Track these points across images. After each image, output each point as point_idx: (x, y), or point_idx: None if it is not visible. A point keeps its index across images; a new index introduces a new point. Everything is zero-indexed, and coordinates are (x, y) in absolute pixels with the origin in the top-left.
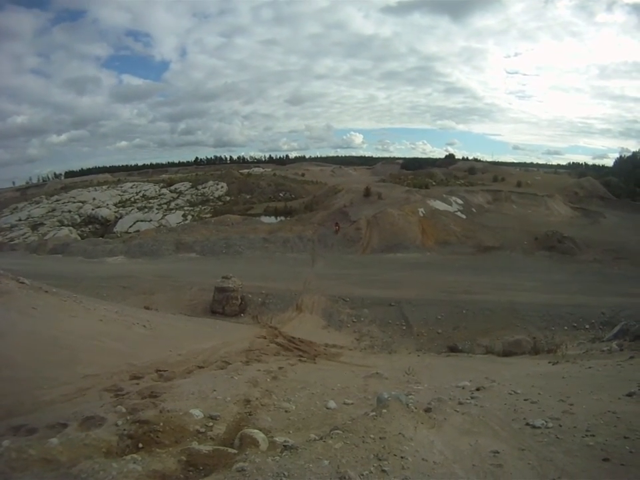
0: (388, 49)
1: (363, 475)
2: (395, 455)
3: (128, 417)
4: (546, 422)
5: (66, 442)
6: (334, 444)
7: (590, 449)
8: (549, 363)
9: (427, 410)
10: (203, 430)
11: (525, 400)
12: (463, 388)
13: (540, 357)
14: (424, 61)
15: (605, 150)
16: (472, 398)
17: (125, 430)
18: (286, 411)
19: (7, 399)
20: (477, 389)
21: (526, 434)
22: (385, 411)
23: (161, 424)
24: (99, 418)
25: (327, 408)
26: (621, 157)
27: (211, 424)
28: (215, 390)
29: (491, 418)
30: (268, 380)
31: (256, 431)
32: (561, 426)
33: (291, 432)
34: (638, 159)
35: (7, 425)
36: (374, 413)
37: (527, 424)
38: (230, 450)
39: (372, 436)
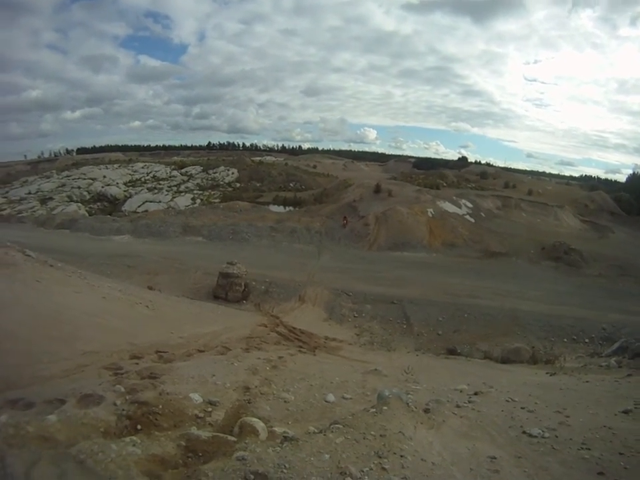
0: (407, 47)
1: (363, 471)
2: (394, 454)
3: (127, 397)
4: (542, 432)
5: (64, 419)
6: (335, 438)
7: (585, 462)
8: (547, 373)
9: (426, 411)
10: (201, 415)
11: (521, 408)
12: (461, 391)
13: (538, 366)
14: (442, 61)
15: (618, 165)
16: (469, 402)
17: (123, 410)
18: (285, 401)
19: (6, 371)
20: (475, 394)
21: (522, 442)
22: (385, 408)
23: (160, 406)
24: (97, 396)
25: (326, 401)
26: (634, 173)
27: (210, 409)
28: (214, 375)
29: (488, 423)
30: (267, 369)
31: (256, 419)
32: (557, 437)
33: (289, 423)
34: None
35: (4, 397)
36: (374, 410)
37: (524, 432)
38: (229, 437)
39: (372, 433)
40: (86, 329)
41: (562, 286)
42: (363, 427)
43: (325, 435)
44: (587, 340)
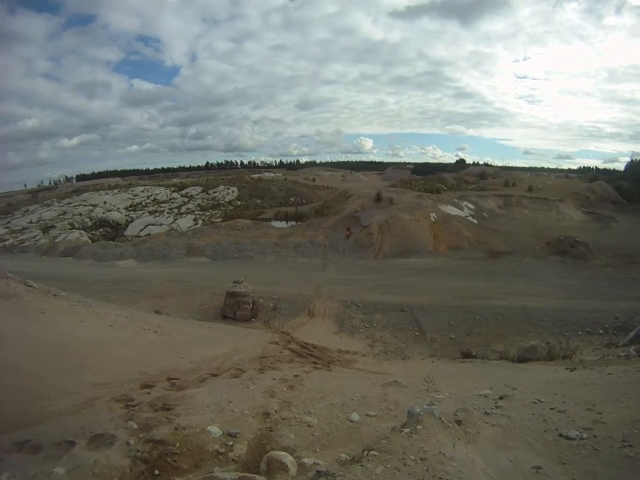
0: (397, 54)
1: None
2: (440, 479)
3: (140, 435)
4: (580, 433)
5: (73, 471)
6: (374, 468)
7: (631, 461)
8: (567, 369)
9: (458, 422)
10: (223, 450)
11: (551, 409)
12: (485, 397)
13: (556, 362)
14: (433, 65)
15: (615, 154)
16: (497, 407)
17: (138, 451)
18: (308, 426)
19: (12, 409)
20: (500, 398)
21: (562, 446)
22: (419, 427)
23: (177, 444)
24: (108, 435)
25: (350, 421)
26: (632, 160)
27: (231, 443)
28: (230, 402)
29: (522, 429)
30: (284, 389)
31: (283, 453)
32: (595, 436)
33: (317, 450)
34: None
35: (11, 440)
36: (408, 430)
37: (560, 435)
38: (258, 477)
39: (412, 457)
40: (93, 359)
41: (570, 279)
42: (400, 451)
43: (362, 465)
44: (601, 331)
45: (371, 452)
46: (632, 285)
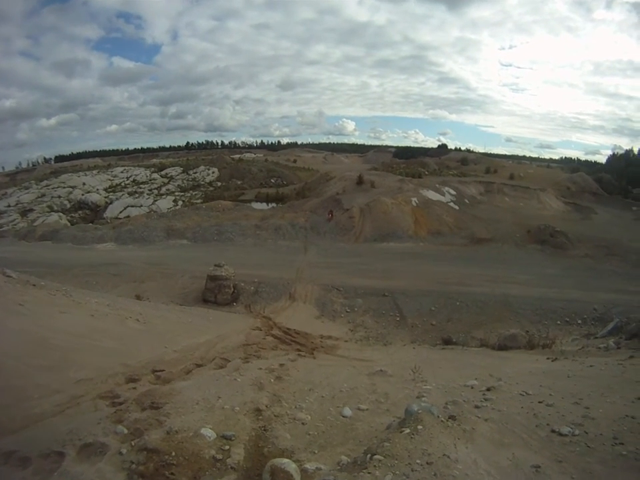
0: (381, 37)
1: None
2: None
3: (132, 443)
4: (572, 429)
5: None
6: (383, 476)
7: (624, 459)
8: (548, 359)
9: (452, 418)
10: (220, 457)
11: (539, 402)
12: (472, 387)
13: (536, 352)
14: (418, 49)
15: (597, 146)
16: (486, 400)
17: (132, 462)
18: (302, 423)
19: None
20: (488, 389)
21: (555, 443)
22: (420, 427)
23: (173, 453)
24: (99, 444)
25: (343, 416)
26: (614, 154)
27: (227, 447)
28: (220, 397)
29: (515, 425)
30: (272, 381)
31: (286, 461)
32: (587, 433)
33: (316, 452)
34: (630, 157)
35: None
36: (408, 430)
37: (553, 431)
38: None
39: (418, 461)
40: (76, 353)
41: (550, 269)
42: (405, 455)
43: (369, 472)
44: (579, 321)
45: (375, 456)
46: (610, 276)
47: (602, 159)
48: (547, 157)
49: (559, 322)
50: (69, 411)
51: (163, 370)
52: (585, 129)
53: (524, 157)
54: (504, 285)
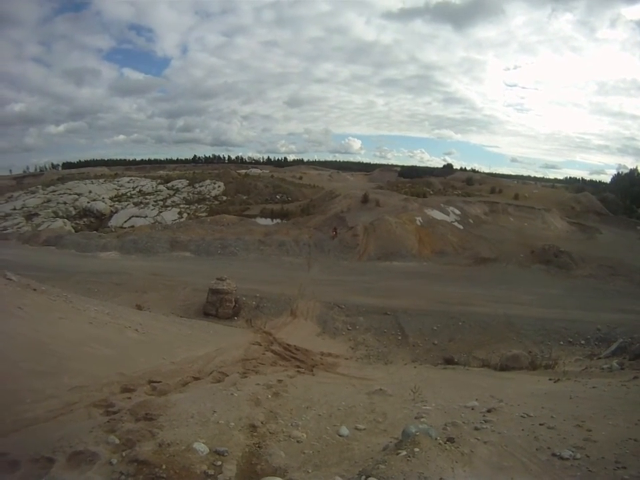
0: (388, 56)
1: None
2: None
3: (123, 454)
4: (572, 452)
5: None
6: None
7: None
8: (550, 379)
9: (450, 440)
10: (211, 472)
11: (540, 425)
12: (472, 409)
13: (538, 372)
14: (424, 69)
15: (602, 166)
16: (485, 421)
17: (122, 474)
18: (298, 441)
19: None
20: (488, 411)
21: (556, 467)
22: (417, 450)
23: (164, 466)
24: (89, 453)
25: (340, 435)
26: (618, 173)
27: (219, 462)
28: (215, 411)
29: (515, 447)
30: (269, 397)
31: (279, 479)
32: (588, 457)
33: (309, 471)
34: (635, 176)
35: None
36: (405, 452)
37: (554, 454)
38: None
39: None
40: (72, 360)
41: (554, 289)
42: (400, 478)
43: None
44: (582, 342)
45: (369, 478)
46: (614, 296)
47: (606, 178)
48: (551, 177)
49: (562, 342)
50: (61, 417)
51: (160, 381)
52: (589, 148)
53: (529, 177)
54: (507, 305)
